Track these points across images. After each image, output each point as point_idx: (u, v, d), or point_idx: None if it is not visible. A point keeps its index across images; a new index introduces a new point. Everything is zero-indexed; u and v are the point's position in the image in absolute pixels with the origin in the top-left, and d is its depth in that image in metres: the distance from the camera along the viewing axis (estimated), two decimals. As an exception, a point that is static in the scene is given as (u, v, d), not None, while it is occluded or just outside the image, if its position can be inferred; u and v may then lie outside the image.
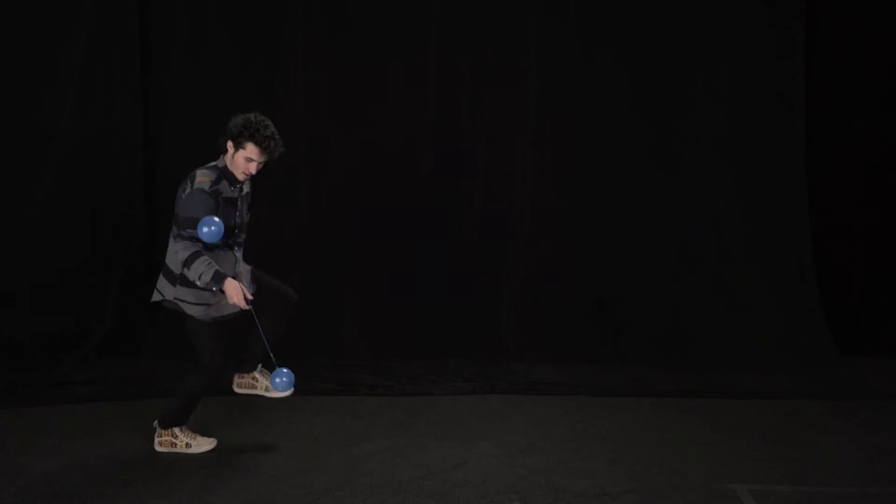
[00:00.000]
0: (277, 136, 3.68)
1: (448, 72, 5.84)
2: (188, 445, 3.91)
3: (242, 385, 4.00)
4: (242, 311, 3.70)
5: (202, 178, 3.67)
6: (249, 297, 3.61)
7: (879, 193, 5.99)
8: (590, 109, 5.83)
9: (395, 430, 4.29)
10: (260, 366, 3.99)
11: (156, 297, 3.84)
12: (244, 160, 3.67)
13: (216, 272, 3.56)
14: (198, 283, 3.59)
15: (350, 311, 5.82)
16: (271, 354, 3.67)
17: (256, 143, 3.64)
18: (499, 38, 5.80)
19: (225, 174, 3.72)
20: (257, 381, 3.98)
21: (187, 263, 3.58)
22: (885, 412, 4.66)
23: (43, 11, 5.43)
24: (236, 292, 3.56)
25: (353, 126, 5.82)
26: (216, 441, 3.97)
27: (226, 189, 3.71)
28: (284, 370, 3.71)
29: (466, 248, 5.85)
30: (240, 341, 3.91)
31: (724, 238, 5.91)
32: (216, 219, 3.54)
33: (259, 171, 3.74)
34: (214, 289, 3.58)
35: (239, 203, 3.78)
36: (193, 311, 3.71)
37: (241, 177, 3.73)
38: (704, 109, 5.88)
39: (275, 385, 3.75)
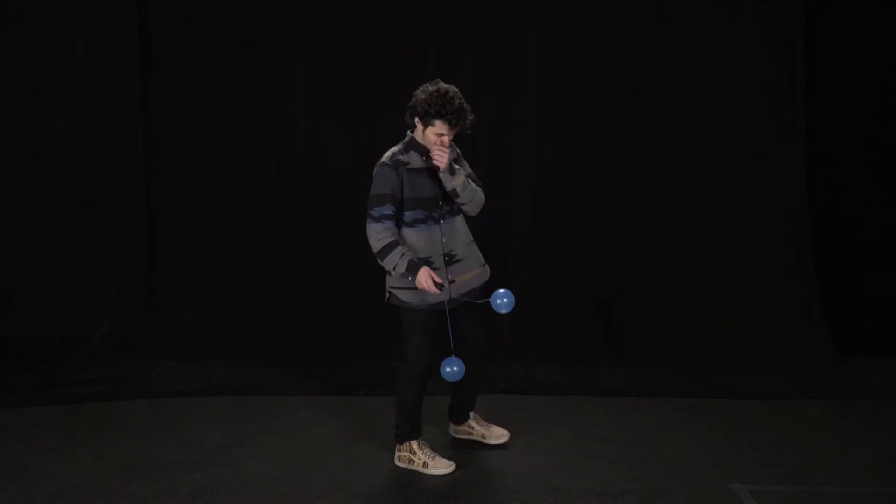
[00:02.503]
0: (466, 106, 3.56)
1: (448, 71, 5.82)
2: (425, 465, 3.73)
3: (459, 432, 4.10)
4: (462, 305, 3.67)
5: (386, 154, 3.62)
6: (439, 280, 3.49)
7: (880, 193, 5.99)
8: (590, 109, 5.82)
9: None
10: (473, 414, 4.07)
11: (387, 294, 3.77)
12: (435, 135, 3.59)
13: (410, 262, 3.48)
14: (392, 273, 3.56)
15: (350, 311, 5.82)
16: (452, 346, 3.59)
17: (446, 121, 3.55)
18: (499, 39, 5.80)
19: (413, 145, 3.66)
20: (473, 428, 4.06)
21: (381, 255, 3.53)
22: (885, 412, 4.65)
23: (43, 11, 5.44)
24: (424, 278, 3.45)
25: (353, 126, 5.82)
26: (454, 465, 3.75)
27: (415, 160, 3.64)
28: (502, 290, 3.55)
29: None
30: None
31: (724, 237, 5.91)
32: (455, 359, 3.51)
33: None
34: (410, 278, 3.50)
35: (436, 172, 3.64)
36: (406, 296, 3.63)
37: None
38: (705, 109, 5.87)
39: (496, 307, 3.53)
